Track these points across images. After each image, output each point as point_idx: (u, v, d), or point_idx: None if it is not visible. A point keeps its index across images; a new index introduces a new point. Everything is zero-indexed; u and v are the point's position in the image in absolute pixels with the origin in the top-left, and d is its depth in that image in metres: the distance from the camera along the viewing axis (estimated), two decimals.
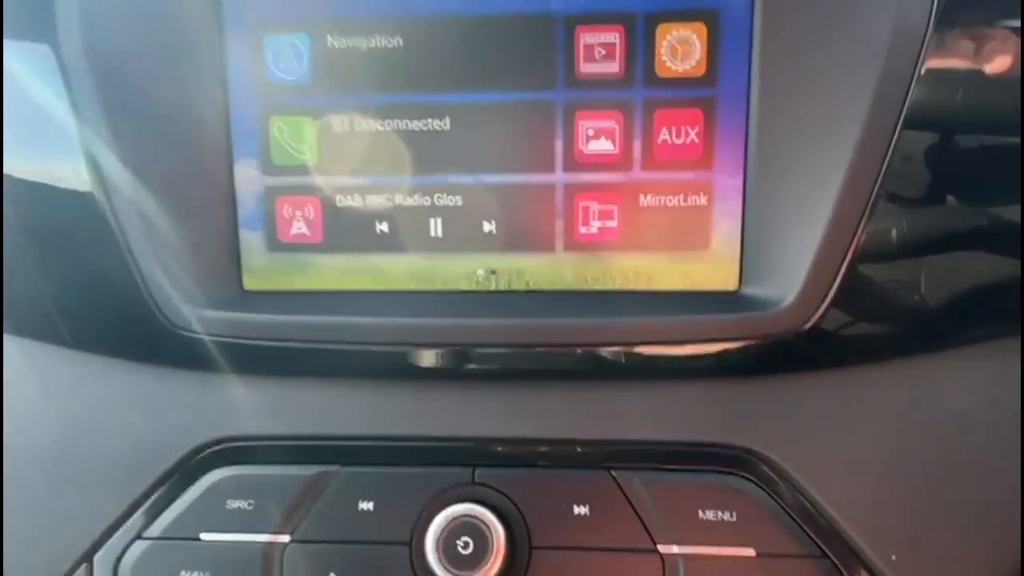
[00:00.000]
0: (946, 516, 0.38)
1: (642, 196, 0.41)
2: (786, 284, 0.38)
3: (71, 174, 0.39)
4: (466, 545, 0.38)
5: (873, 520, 0.38)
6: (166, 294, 0.40)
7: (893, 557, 0.37)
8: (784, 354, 0.38)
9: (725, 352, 0.38)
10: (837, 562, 0.37)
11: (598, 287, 0.42)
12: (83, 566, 0.40)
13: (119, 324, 0.41)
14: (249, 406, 0.40)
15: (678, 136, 0.40)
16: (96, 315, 0.41)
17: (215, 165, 0.42)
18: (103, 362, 0.42)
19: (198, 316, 0.40)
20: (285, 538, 0.39)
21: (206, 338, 0.40)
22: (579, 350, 0.39)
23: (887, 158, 0.36)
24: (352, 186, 0.42)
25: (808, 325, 0.38)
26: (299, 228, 0.43)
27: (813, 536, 0.38)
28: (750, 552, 0.38)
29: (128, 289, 0.40)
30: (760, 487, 0.38)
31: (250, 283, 0.43)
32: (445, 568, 0.37)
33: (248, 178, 0.42)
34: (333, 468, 0.39)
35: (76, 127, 0.39)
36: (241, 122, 0.42)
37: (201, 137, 0.41)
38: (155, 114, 0.40)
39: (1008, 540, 0.37)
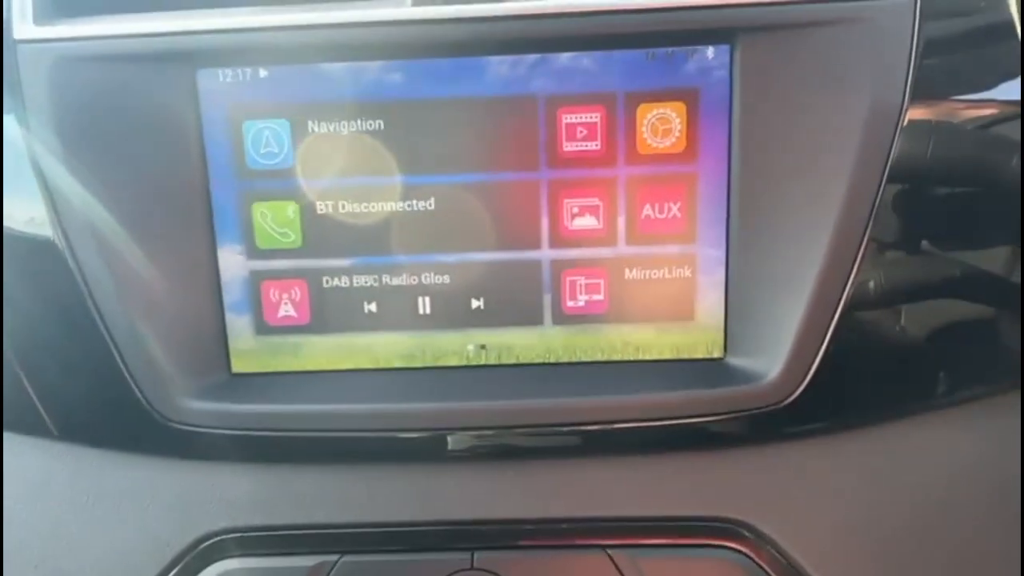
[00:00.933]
0: None
1: (627, 270, 0.42)
2: (771, 354, 0.39)
3: (52, 265, 0.39)
4: None
5: None
6: (153, 384, 0.39)
7: None
8: (769, 425, 0.39)
9: (712, 424, 0.39)
10: None
11: (587, 359, 0.43)
12: None
13: (107, 416, 0.41)
14: (247, 496, 0.40)
15: (661, 211, 0.41)
16: (84, 407, 0.41)
17: (198, 251, 0.42)
18: (96, 454, 0.41)
19: (187, 407, 0.40)
20: None
21: (196, 429, 0.40)
22: (570, 428, 0.39)
23: (867, 229, 0.37)
24: (338, 268, 0.42)
25: (792, 398, 0.39)
26: (286, 311, 0.43)
27: None
28: None
29: (114, 380, 0.39)
30: (748, 557, 0.39)
31: (239, 366, 0.43)
32: None
33: (233, 263, 0.42)
34: (333, 557, 0.40)
35: (51, 213, 0.39)
36: (223, 208, 0.41)
37: (183, 223, 0.41)
38: (134, 199, 0.40)
39: None
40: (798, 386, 0.38)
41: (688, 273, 0.41)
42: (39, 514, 0.41)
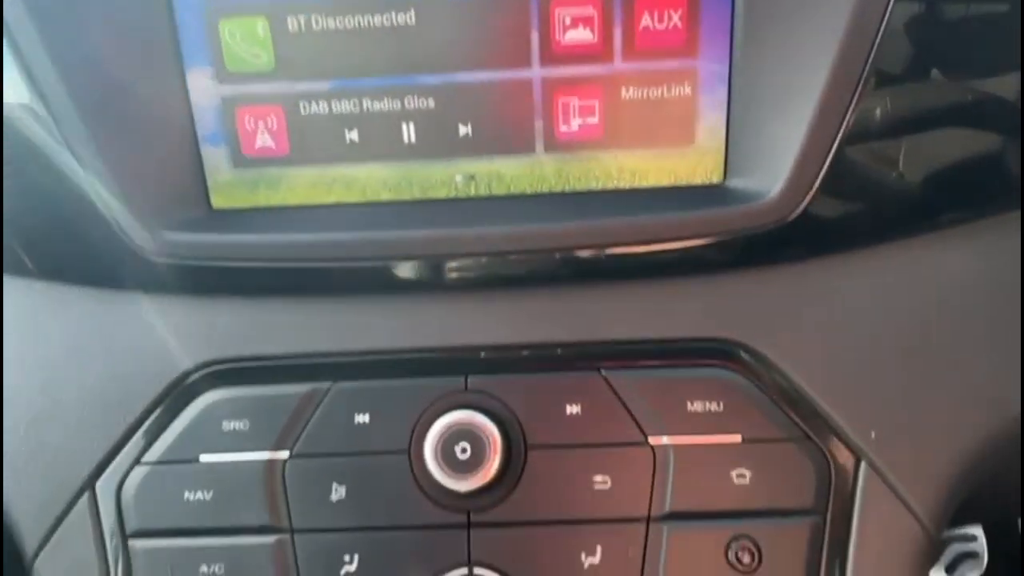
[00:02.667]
0: (924, 394, 0.39)
1: (624, 89, 0.39)
2: (773, 174, 0.37)
3: (21, 105, 0.37)
4: (464, 450, 0.38)
5: (854, 401, 0.39)
6: (132, 219, 0.38)
7: (873, 435, 0.39)
8: (772, 245, 0.38)
9: (712, 247, 0.38)
10: (819, 443, 0.39)
11: (581, 187, 0.41)
12: (86, 494, 0.40)
13: (88, 253, 0.39)
14: (235, 327, 0.40)
15: (660, 21, 0.38)
16: (65, 245, 0.39)
17: (167, 76, 0.39)
18: (80, 293, 0.40)
19: (167, 240, 0.38)
20: (284, 455, 0.40)
21: (179, 263, 0.38)
22: (563, 254, 0.38)
23: (877, 37, 0.35)
24: (315, 92, 0.39)
25: (795, 215, 0.37)
26: (263, 141, 0.40)
27: (796, 420, 0.39)
28: (736, 439, 0.39)
29: (92, 216, 0.38)
30: (745, 377, 0.39)
31: (218, 202, 0.41)
32: (445, 474, 0.38)
33: (203, 89, 0.39)
34: (325, 384, 0.39)
35: (13, 50, 0.36)
36: (189, 26, 0.38)
37: (149, 46, 0.38)
38: (96, 26, 0.37)
39: (985, 418, 0.39)
40: (798, 205, 0.37)
41: (688, 91, 0.39)
42: (24, 354, 0.41)
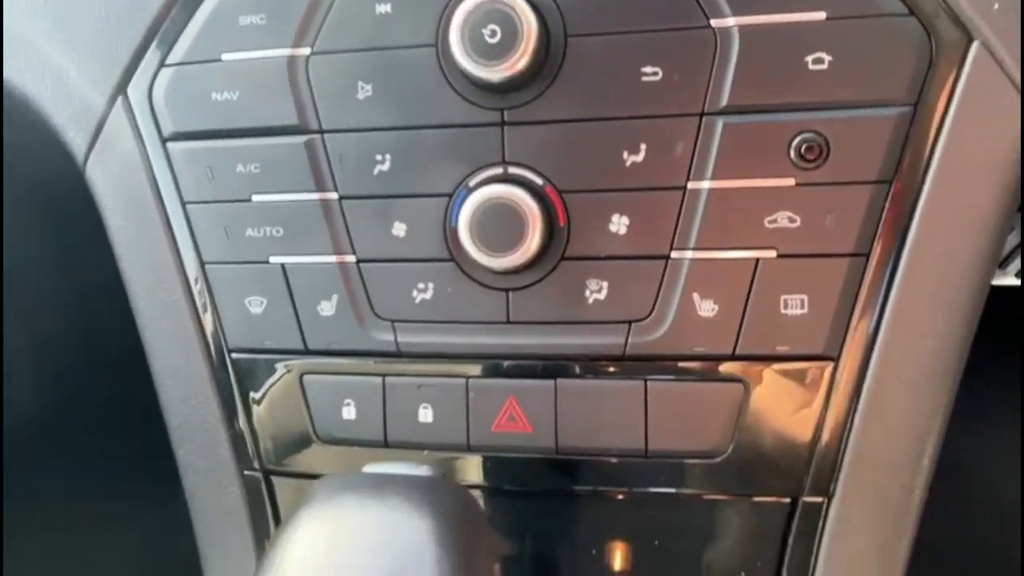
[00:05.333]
0: None
1: None
2: None
3: None
4: (493, 33, 0.34)
5: None
6: None
7: (995, 5, 0.32)
8: None
9: None
10: (922, 19, 0.32)
11: None
12: (119, 99, 0.40)
13: None
14: None
15: None
16: None
17: None
18: None
19: None
20: (306, 51, 0.37)
21: None
22: None
23: None
24: None
25: None
26: None
27: None
28: (819, 16, 0.33)
29: None
30: None
31: None
32: (474, 62, 0.34)
33: None
34: None
35: None
36: None
37: None
38: None
39: None
40: None
41: None
42: None
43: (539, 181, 0.36)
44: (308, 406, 0.40)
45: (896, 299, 0.35)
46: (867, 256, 0.34)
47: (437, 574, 0.22)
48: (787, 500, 0.37)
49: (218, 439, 0.42)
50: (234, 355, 0.41)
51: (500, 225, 0.36)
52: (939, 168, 0.34)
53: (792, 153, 0.34)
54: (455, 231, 0.36)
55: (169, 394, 0.43)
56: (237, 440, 0.42)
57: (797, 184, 0.34)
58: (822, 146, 0.34)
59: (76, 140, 0.41)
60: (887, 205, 0.34)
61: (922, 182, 0.34)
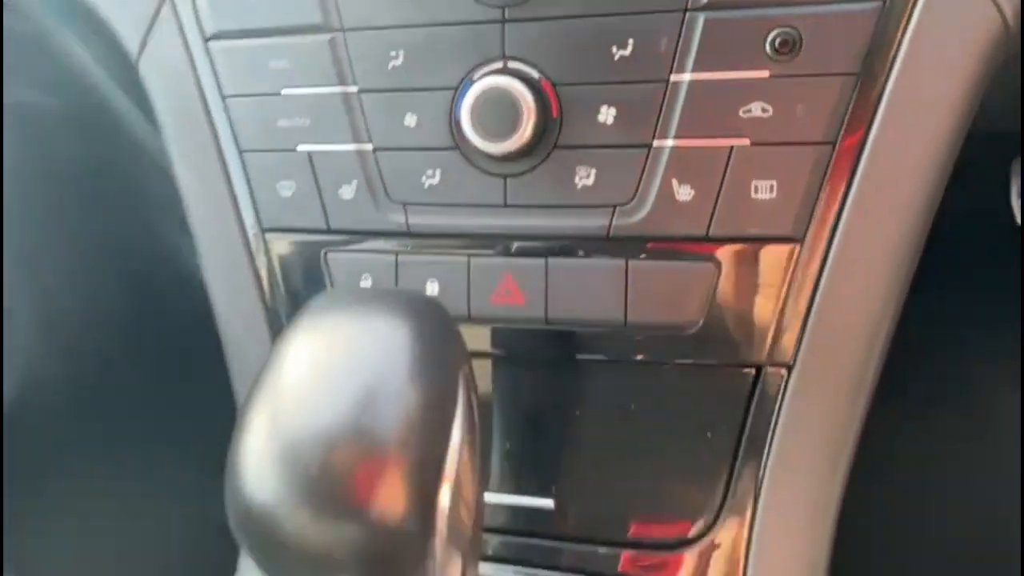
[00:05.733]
0: None
1: None
2: None
3: None
4: None
5: None
6: None
7: None
8: None
9: None
10: None
11: None
12: (167, 1, 0.45)
13: None
14: None
15: None
16: None
17: None
18: None
19: None
20: None
21: None
22: None
23: None
24: None
25: None
26: None
27: None
28: None
29: None
30: None
31: None
32: None
33: None
34: None
35: None
36: None
37: None
38: None
39: None
40: None
41: None
42: None
43: (535, 75, 0.40)
44: (331, 281, 0.46)
45: (859, 184, 0.37)
46: (834, 144, 0.37)
47: (419, 362, 0.27)
48: (752, 369, 0.41)
49: (255, 311, 0.48)
50: (267, 235, 0.46)
51: (498, 113, 0.39)
52: (905, 61, 0.36)
53: (767, 47, 0.37)
54: (459, 121, 0.40)
55: (213, 270, 0.48)
56: (271, 316, 0.48)
57: (771, 76, 0.37)
58: (795, 39, 0.36)
59: (129, 40, 0.46)
60: (854, 96, 0.37)
61: (888, 75, 0.36)
